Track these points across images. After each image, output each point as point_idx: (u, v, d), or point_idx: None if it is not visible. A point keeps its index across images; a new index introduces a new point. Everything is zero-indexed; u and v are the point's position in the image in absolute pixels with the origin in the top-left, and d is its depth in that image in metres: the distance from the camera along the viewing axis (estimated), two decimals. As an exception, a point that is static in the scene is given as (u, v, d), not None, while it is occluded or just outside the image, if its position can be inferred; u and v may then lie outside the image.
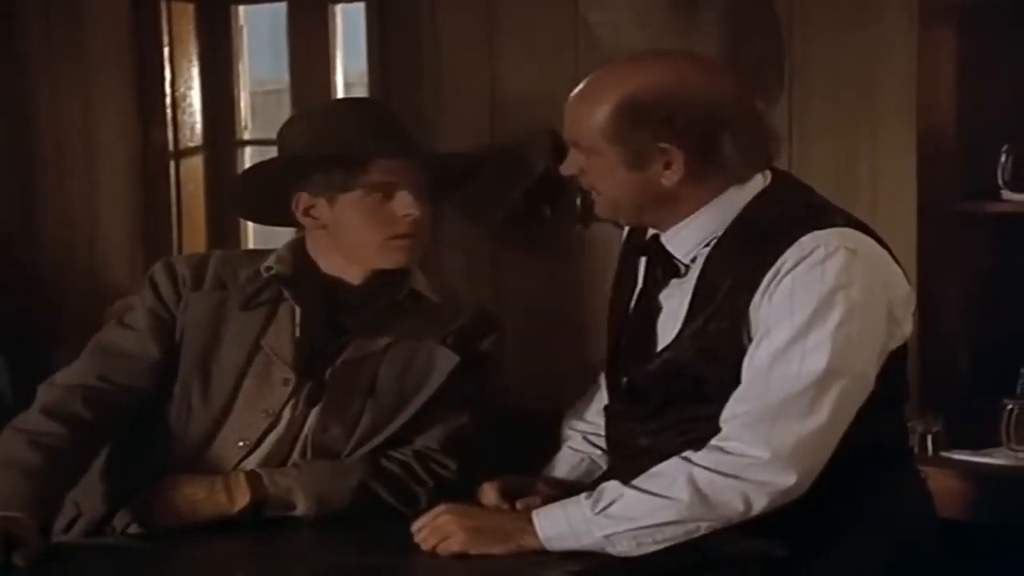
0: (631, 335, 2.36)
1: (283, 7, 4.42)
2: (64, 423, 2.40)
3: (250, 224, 4.67)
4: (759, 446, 2.13)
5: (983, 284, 3.23)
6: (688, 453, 2.17)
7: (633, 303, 2.37)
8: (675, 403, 2.26)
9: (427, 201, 2.52)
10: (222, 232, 4.63)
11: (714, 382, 2.22)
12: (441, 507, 2.26)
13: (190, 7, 4.61)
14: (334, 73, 4.37)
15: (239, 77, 4.65)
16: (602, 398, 2.51)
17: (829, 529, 2.25)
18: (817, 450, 2.16)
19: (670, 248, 2.29)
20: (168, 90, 4.60)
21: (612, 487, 2.19)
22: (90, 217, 4.62)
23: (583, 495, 2.20)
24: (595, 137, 2.24)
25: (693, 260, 2.27)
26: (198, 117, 4.65)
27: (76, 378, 2.49)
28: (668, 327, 2.28)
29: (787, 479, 2.13)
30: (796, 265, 2.16)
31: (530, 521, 2.20)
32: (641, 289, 2.36)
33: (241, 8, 4.61)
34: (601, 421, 2.50)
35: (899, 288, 2.25)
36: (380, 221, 2.48)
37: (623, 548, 2.15)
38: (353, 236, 2.49)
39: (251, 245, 4.55)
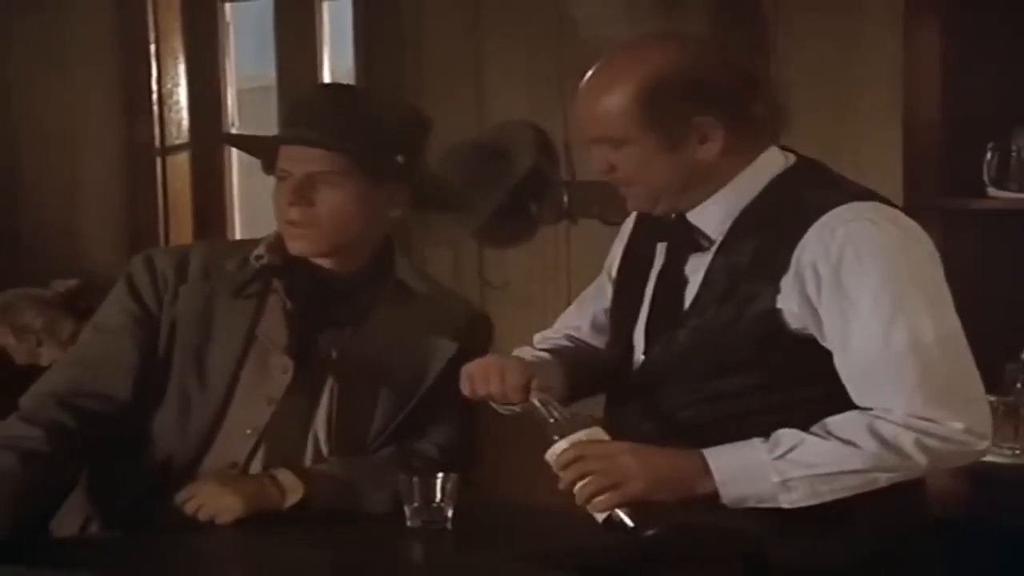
0: (655, 310, 2.29)
1: (270, 3, 4.42)
2: (40, 427, 2.37)
3: (236, 220, 4.68)
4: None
5: (968, 281, 3.22)
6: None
7: (654, 282, 2.30)
8: (691, 380, 2.20)
9: (341, 190, 2.42)
10: (208, 228, 4.63)
11: (735, 353, 2.17)
12: (621, 444, 2.12)
13: (176, 3, 4.61)
14: (321, 69, 4.37)
15: (225, 73, 4.66)
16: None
17: (820, 525, 2.17)
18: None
19: (699, 223, 2.22)
20: (154, 86, 4.61)
21: (790, 433, 2.11)
22: (73, 214, 4.61)
23: (758, 439, 2.11)
24: (626, 127, 2.15)
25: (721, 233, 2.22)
26: (184, 113, 4.65)
27: (51, 385, 2.46)
28: (693, 296, 2.22)
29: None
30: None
31: (704, 461, 2.10)
32: (663, 267, 2.29)
33: (228, 4, 4.61)
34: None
35: None
36: (278, 207, 2.47)
37: (798, 495, 2.09)
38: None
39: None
